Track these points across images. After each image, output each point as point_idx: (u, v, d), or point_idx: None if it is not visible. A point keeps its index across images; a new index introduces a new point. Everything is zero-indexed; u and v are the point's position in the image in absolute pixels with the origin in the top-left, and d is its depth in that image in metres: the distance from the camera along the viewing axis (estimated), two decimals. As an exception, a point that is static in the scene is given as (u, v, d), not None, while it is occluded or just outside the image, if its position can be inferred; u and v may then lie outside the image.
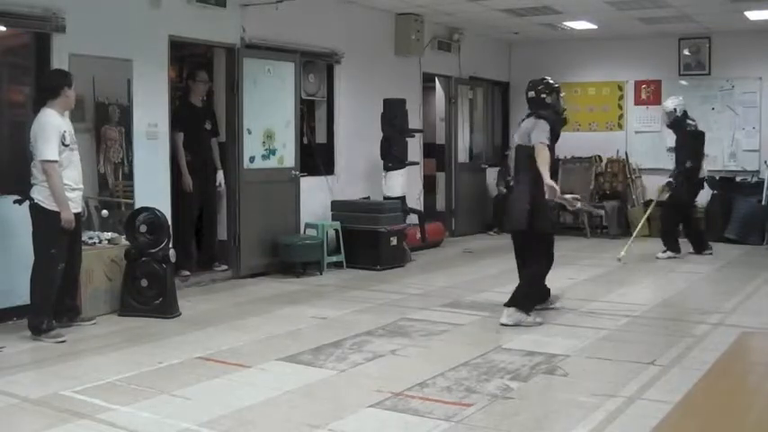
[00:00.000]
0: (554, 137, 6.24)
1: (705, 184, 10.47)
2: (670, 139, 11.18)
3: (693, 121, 9.83)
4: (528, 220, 6.22)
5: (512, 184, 6.53)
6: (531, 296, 6.43)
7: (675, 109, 9.65)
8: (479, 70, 12.79)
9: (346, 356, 5.44)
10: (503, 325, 6.21)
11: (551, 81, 6.58)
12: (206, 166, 8.25)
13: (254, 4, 8.38)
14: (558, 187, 6.05)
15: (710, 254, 9.87)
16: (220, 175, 8.35)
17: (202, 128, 8.20)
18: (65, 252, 5.92)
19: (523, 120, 6.49)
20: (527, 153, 6.22)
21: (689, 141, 9.65)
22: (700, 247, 9.95)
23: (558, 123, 6.40)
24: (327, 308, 7.02)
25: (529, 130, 6.23)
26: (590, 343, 5.83)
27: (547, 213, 6.44)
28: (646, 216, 10.26)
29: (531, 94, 6.51)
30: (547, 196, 6.07)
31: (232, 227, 8.44)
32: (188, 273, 7.97)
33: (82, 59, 6.69)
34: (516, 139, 6.49)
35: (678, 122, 9.69)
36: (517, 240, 6.55)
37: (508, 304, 6.31)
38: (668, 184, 9.82)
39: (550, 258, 6.67)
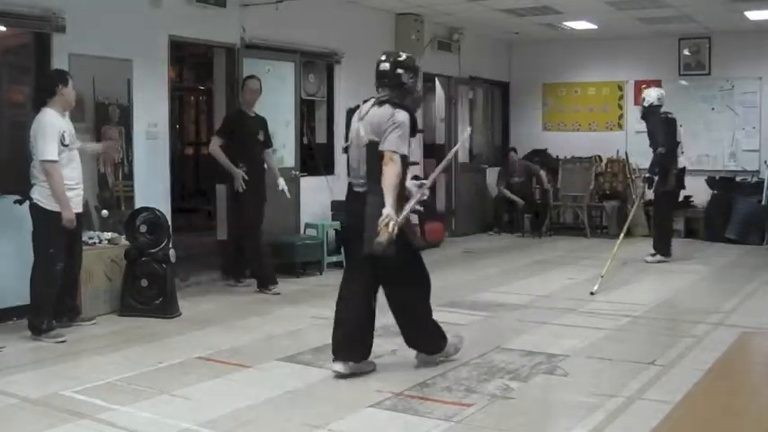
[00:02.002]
0: (412, 134, 4.92)
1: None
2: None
3: (669, 113, 9.47)
4: (401, 242, 4.72)
5: (356, 190, 4.98)
6: (435, 330, 5.18)
7: (645, 98, 9.38)
8: (479, 70, 12.79)
9: (346, 356, 5.43)
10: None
11: (413, 58, 5.11)
12: (259, 178, 7.78)
13: (254, 4, 8.39)
14: (395, 218, 4.59)
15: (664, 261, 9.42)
16: (282, 182, 7.90)
17: (255, 138, 7.81)
18: (64, 252, 5.92)
19: (372, 106, 4.97)
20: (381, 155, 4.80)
21: (661, 127, 9.26)
22: (660, 251, 9.52)
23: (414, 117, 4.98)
24: (327, 308, 6.96)
25: (383, 126, 4.79)
26: (590, 343, 5.83)
27: (412, 226, 5.19)
28: (626, 225, 9.46)
29: (385, 66, 4.99)
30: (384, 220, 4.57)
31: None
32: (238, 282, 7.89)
33: (82, 59, 6.69)
34: (363, 132, 4.91)
35: (652, 110, 9.34)
36: (376, 266, 4.86)
37: (420, 350, 5.20)
38: (646, 180, 9.48)
39: (429, 282, 5.21)
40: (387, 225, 4.52)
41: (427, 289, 5.17)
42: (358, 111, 5.08)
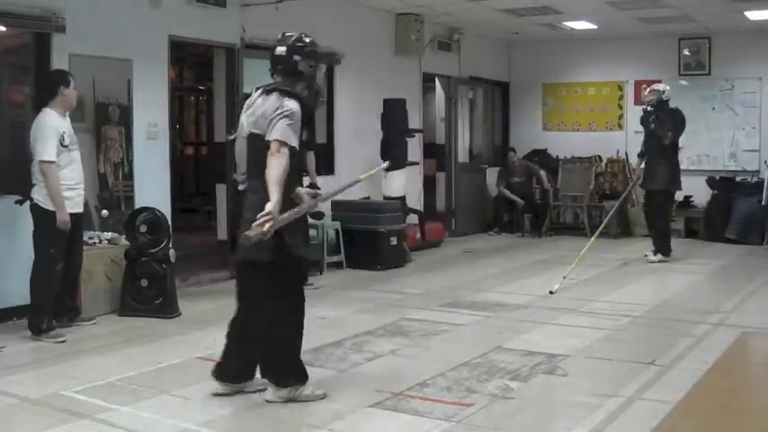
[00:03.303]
0: (303, 129, 4.33)
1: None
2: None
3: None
4: (275, 245, 4.14)
5: (241, 188, 4.49)
6: (291, 363, 4.48)
7: (665, 91, 9.38)
8: (479, 70, 12.79)
9: (346, 356, 5.43)
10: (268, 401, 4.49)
11: (315, 43, 4.50)
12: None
13: (254, 4, 8.38)
14: (277, 216, 3.97)
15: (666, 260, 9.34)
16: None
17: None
18: (63, 252, 5.92)
19: (259, 95, 4.41)
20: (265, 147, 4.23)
21: (669, 116, 9.27)
22: (660, 250, 9.41)
23: (311, 109, 4.48)
24: (327, 308, 7.01)
25: (269, 116, 4.25)
26: (590, 343, 5.83)
27: (301, 233, 4.48)
28: (613, 210, 9.95)
29: (281, 50, 4.40)
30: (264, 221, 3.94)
31: (232, 227, 8.43)
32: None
33: (82, 59, 6.69)
34: (246, 123, 4.41)
35: (663, 102, 9.35)
36: (247, 277, 4.46)
37: (268, 379, 4.51)
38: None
39: (301, 306, 4.51)
40: (262, 224, 3.91)
41: (293, 319, 4.45)
42: (247, 101, 4.53)
